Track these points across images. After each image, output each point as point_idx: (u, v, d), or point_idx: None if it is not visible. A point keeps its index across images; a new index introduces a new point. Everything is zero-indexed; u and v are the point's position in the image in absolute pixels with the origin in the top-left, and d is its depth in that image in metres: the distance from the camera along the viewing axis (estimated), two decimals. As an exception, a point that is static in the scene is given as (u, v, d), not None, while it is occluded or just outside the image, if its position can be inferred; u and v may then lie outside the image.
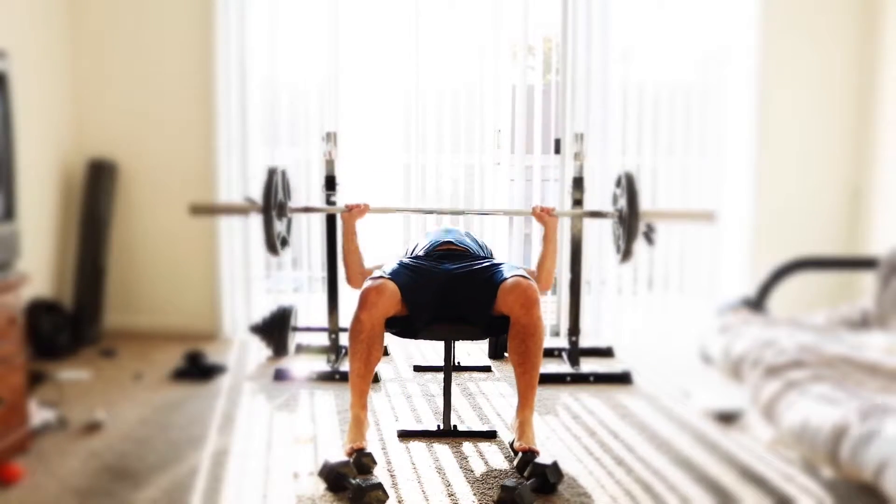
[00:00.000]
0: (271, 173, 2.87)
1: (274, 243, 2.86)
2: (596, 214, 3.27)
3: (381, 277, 2.43)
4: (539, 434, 2.63)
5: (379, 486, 2.04)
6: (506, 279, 2.41)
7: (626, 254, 2.94)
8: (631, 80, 4.12)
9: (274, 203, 2.84)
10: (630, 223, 2.88)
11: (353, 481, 2.05)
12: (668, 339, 4.01)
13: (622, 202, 2.99)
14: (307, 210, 3.38)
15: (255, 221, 4.06)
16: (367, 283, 2.39)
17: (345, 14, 4.06)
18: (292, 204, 3.07)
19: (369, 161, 4.15)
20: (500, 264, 2.57)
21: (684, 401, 3.01)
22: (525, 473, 2.21)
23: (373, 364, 2.38)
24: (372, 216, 2.98)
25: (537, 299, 2.36)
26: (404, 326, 2.48)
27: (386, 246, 4.00)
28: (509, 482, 2.04)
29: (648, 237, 2.98)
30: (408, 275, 2.48)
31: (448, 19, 4.22)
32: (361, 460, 2.26)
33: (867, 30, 3.98)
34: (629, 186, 2.91)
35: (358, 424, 2.37)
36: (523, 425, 2.37)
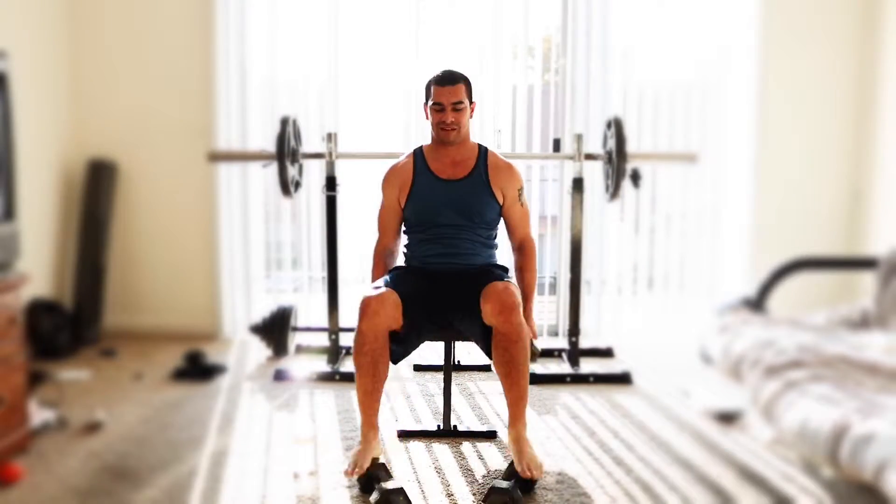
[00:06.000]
0: (284, 122, 3.20)
1: (288, 187, 3.21)
2: (589, 157, 3.41)
3: (382, 287, 2.29)
4: (539, 434, 2.63)
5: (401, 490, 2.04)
6: (483, 286, 2.24)
7: (615, 192, 3.27)
8: (631, 80, 4.12)
9: (287, 150, 3.18)
10: (618, 163, 3.17)
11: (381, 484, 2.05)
12: (668, 339, 4.00)
13: (611, 143, 3.24)
14: (317, 156, 3.43)
15: (258, 225, 4.11)
16: (367, 293, 2.26)
17: (345, 13, 4.05)
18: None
19: (369, 160, 4.14)
20: (486, 267, 2.44)
21: (684, 401, 3.01)
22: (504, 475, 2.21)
23: (381, 378, 2.23)
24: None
25: (516, 302, 2.19)
26: (397, 343, 2.30)
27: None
28: (500, 484, 2.06)
29: (635, 179, 3.20)
30: (409, 282, 2.34)
31: (448, 19, 4.21)
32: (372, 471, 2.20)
33: (867, 30, 3.98)
34: (617, 130, 3.20)
35: (366, 446, 2.22)
36: (519, 442, 2.22)
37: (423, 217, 2.46)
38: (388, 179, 2.52)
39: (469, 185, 2.44)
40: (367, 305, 2.21)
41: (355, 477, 2.17)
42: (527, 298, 2.46)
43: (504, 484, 2.06)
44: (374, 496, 2.02)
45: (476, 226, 2.45)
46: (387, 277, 2.41)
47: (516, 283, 2.38)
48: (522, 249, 2.52)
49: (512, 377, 2.21)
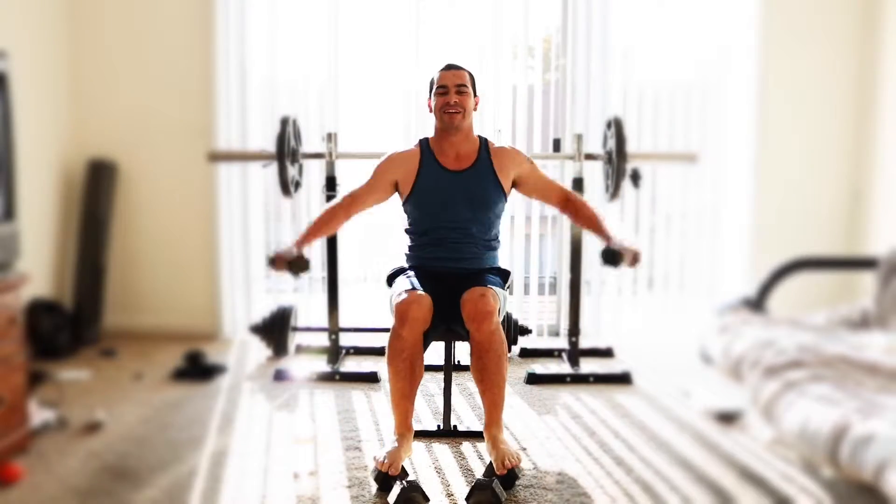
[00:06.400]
0: (284, 122, 3.20)
1: (288, 187, 3.23)
2: (589, 157, 3.41)
3: (413, 289, 2.24)
4: (538, 434, 2.63)
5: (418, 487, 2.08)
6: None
7: (615, 192, 3.31)
8: (631, 80, 4.12)
9: (287, 150, 3.19)
10: (618, 163, 3.19)
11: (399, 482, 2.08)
12: (668, 339, 4.00)
13: (611, 143, 3.26)
14: (317, 156, 3.44)
15: (258, 225, 4.11)
16: (404, 296, 2.21)
17: (345, 14, 4.06)
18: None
19: (369, 160, 4.15)
20: (485, 270, 2.42)
21: (684, 401, 3.00)
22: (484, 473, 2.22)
23: (417, 380, 2.24)
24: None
25: (489, 311, 2.16)
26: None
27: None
28: (482, 480, 2.09)
29: (635, 179, 3.25)
30: (425, 284, 2.31)
31: (448, 19, 4.22)
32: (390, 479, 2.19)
33: (867, 30, 3.98)
34: (617, 130, 3.22)
35: (401, 446, 2.23)
36: (493, 441, 2.24)
37: (429, 209, 2.42)
38: (391, 163, 2.47)
39: (475, 174, 2.42)
40: (406, 311, 2.17)
41: (375, 474, 2.18)
42: (599, 228, 2.45)
43: (485, 480, 2.09)
44: (394, 492, 2.05)
45: (480, 221, 2.42)
46: (413, 280, 2.33)
47: (497, 291, 2.28)
48: (569, 199, 2.52)
49: (485, 384, 2.24)
